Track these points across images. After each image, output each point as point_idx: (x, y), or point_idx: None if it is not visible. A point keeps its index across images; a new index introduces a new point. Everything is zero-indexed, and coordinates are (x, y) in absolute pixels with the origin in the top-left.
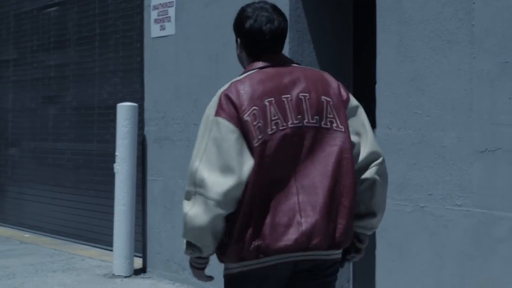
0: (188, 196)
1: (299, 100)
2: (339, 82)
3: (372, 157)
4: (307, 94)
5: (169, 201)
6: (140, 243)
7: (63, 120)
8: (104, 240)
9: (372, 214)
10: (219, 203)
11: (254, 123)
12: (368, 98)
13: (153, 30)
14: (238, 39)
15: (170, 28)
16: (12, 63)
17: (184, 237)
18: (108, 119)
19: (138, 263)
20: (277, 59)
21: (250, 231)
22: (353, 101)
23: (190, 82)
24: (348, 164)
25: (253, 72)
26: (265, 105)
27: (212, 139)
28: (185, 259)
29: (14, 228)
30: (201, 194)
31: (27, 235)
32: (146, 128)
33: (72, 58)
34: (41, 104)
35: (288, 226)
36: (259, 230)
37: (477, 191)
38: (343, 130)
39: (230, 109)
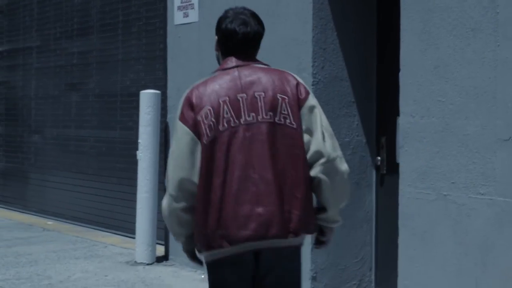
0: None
1: (254, 99)
2: (300, 82)
3: (316, 156)
4: (262, 93)
5: None
6: (162, 230)
7: (86, 107)
8: (126, 227)
9: (323, 209)
10: (174, 198)
11: (205, 121)
12: (392, 86)
13: (176, 17)
14: (216, 37)
15: (193, 15)
16: (36, 50)
17: (168, 225)
18: (131, 106)
19: (160, 250)
20: (246, 60)
21: (212, 221)
22: (311, 101)
23: (212, 69)
24: (299, 159)
25: (219, 74)
26: (220, 104)
27: (174, 141)
28: None
29: (36, 215)
30: (167, 182)
31: (49, 222)
32: (168, 116)
33: (95, 45)
34: (64, 91)
35: (248, 216)
36: (221, 220)
37: (500, 180)
38: (295, 126)
39: (188, 112)
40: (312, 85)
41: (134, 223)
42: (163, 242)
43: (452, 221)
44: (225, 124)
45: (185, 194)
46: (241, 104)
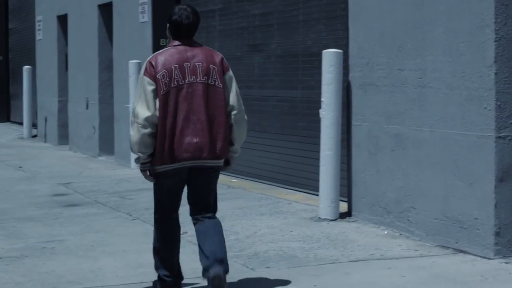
0: (132, 124)
1: (194, 67)
2: (223, 58)
3: (230, 108)
4: (201, 63)
5: (374, 146)
6: (345, 187)
7: (268, 68)
8: (310, 184)
9: (231, 143)
10: (142, 125)
11: (162, 80)
12: None
13: None
14: (168, 25)
15: None
16: (218, 12)
17: (132, 152)
18: (313, 66)
19: (343, 207)
20: (188, 41)
21: (166, 147)
22: (230, 73)
23: (394, 27)
24: (222, 109)
25: (170, 48)
26: (172, 69)
27: (142, 89)
28: (390, 203)
29: (221, 174)
30: (135, 121)
31: (234, 180)
32: (350, 74)
33: (276, 7)
34: (247, 52)
35: (188, 144)
36: (171, 147)
37: None
38: (221, 87)
39: (151, 71)
40: (495, 41)
41: (316, 180)
42: (346, 199)
43: None
44: (175, 82)
45: (150, 123)
46: (186, 70)
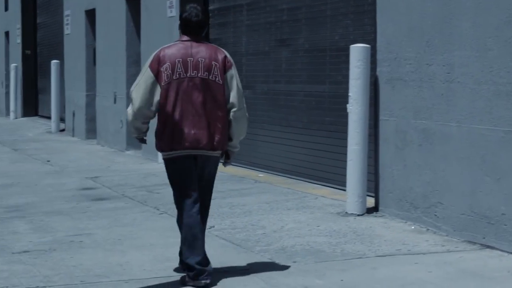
0: (129, 103)
1: (197, 62)
2: (227, 55)
3: (230, 106)
4: (203, 59)
5: (401, 141)
6: (372, 182)
7: (295, 63)
8: (336, 179)
9: (230, 138)
10: (135, 115)
11: (165, 72)
12: None
13: None
14: (179, 22)
15: None
16: (246, 7)
17: (128, 126)
18: (340, 60)
19: (370, 202)
20: (195, 38)
21: (167, 136)
22: (233, 71)
23: (422, 22)
24: (221, 104)
25: (178, 43)
26: (175, 63)
27: (143, 78)
28: (417, 198)
29: (248, 168)
30: (132, 104)
31: (260, 175)
32: (378, 69)
33: (304, 1)
34: (274, 47)
35: (187, 134)
36: (172, 135)
37: None
38: (221, 83)
39: (155, 64)
40: None
41: (343, 175)
42: (373, 194)
43: None
44: (177, 75)
45: (142, 115)
46: (189, 64)
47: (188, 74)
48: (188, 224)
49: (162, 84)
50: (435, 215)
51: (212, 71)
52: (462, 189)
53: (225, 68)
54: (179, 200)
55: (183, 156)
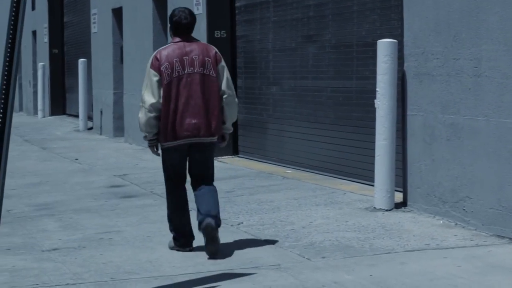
0: (140, 108)
1: (192, 59)
2: (217, 51)
3: (222, 93)
4: (197, 56)
5: (429, 136)
6: (400, 178)
7: (322, 58)
8: (364, 175)
9: (223, 122)
10: (148, 110)
11: (166, 71)
12: None
13: None
14: (169, 25)
15: None
16: (272, 4)
17: (140, 131)
18: (367, 56)
19: (398, 197)
20: (186, 38)
21: (169, 127)
22: (222, 62)
23: (449, 16)
24: (216, 94)
25: (171, 44)
26: (173, 62)
27: (148, 80)
28: (445, 193)
29: (275, 164)
30: (143, 106)
31: (288, 171)
32: (405, 64)
33: None
34: (301, 43)
35: (188, 124)
36: (174, 126)
37: None
38: (214, 76)
39: (156, 63)
40: None
41: (371, 170)
42: (401, 189)
43: None
44: (176, 73)
45: (155, 108)
46: (185, 62)
47: (185, 71)
48: (180, 204)
49: (164, 82)
50: (464, 209)
51: (206, 66)
52: (491, 183)
53: (216, 62)
54: (172, 187)
55: (181, 146)
